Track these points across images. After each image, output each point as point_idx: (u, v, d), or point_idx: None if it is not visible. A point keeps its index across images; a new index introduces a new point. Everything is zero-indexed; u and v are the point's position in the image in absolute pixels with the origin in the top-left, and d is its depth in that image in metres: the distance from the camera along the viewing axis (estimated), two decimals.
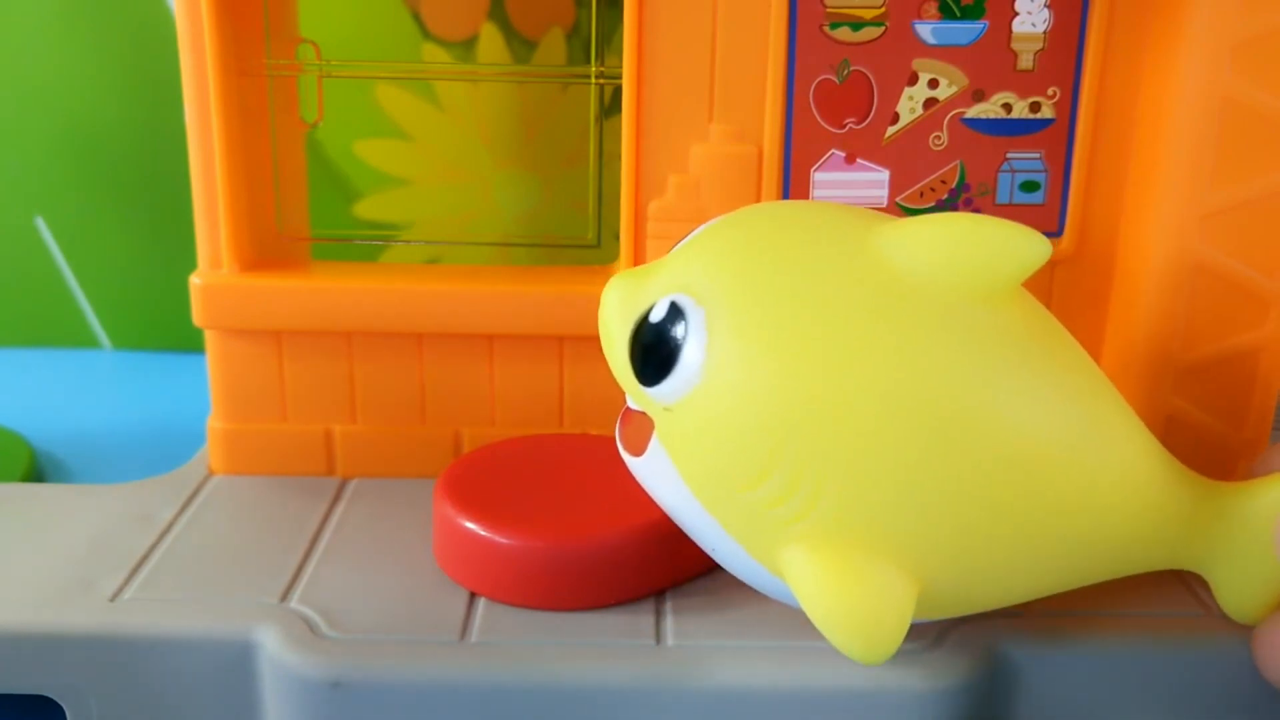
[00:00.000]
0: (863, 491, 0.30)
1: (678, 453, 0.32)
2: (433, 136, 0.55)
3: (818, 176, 0.43)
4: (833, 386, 0.30)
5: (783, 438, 0.30)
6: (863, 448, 0.30)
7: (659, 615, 0.37)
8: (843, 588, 0.30)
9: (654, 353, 0.32)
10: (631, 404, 0.35)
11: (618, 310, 0.33)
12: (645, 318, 0.32)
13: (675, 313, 0.32)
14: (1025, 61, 0.42)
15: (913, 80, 0.42)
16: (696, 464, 0.32)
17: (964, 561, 0.32)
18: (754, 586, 0.35)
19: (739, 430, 0.31)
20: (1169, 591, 0.38)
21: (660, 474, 0.33)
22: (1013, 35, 0.42)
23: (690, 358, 0.31)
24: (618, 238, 0.44)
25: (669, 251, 0.36)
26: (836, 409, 0.30)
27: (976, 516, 0.31)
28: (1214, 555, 0.35)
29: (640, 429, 0.34)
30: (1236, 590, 0.36)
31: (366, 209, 0.56)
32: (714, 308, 0.31)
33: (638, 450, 0.34)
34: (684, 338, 0.31)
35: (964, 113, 0.43)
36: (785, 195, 0.43)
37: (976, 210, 0.43)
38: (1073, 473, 0.33)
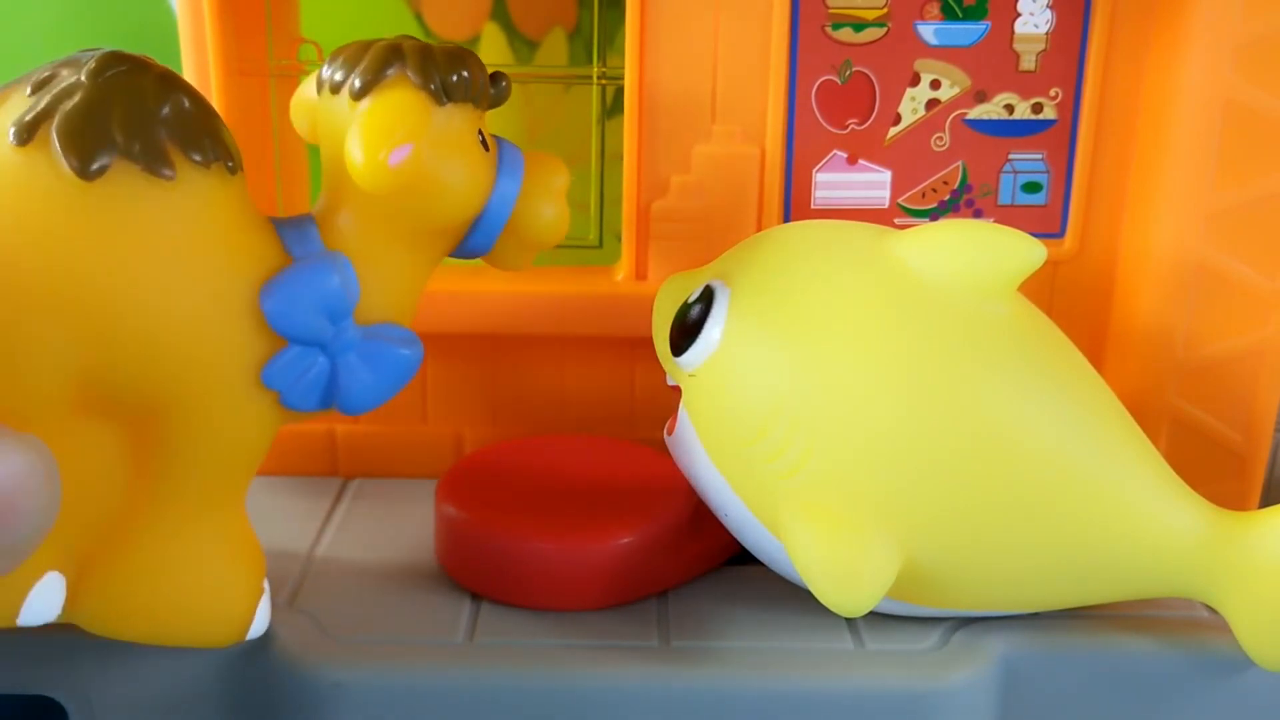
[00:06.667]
0: (851, 455, 0.33)
1: (697, 416, 0.36)
2: None
3: (820, 177, 0.43)
4: (829, 361, 0.34)
5: (780, 399, 0.34)
6: (854, 417, 0.33)
7: (661, 616, 0.37)
8: (825, 539, 0.33)
9: (684, 324, 0.36)
10: (670, 381, 0.38)
11: (666, 299, 0.38)
12: (686, 299, 0.37)
13: (708, 293, 0.36)
14: (1027, 62, 0.42)
15: (915, 81, 0.42)
16: (710, 424, 0.36)
17: (954, 540, 0.34)
18: (757, 554, 0.37)
19: (743, 391, 0.35)
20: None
21: (685, 441, 0.37)
22: (1015, 36, 0.42)
23: (712, 328, 0.35)
24: (620, 238, 0.44)
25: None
26: (832, 379, 0.34)
27: (964, 494, 0.33)
28: (1228, 587, 0.34)
29: (674, 413, 0.38)
30: (1258, 631, 0.34)
31: None
32: (738, 288, 0.35)
33: (671, 429, 0.38)
34: (710, 312, 0.36)
35: (966, 113, 0.43)
36: (787, 196, 0.43)
37: (978, 211, 0.44)
38: (1067, 468, 0.34)
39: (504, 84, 0.36)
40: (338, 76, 0.34)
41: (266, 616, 0.35)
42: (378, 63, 0.33)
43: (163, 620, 0.34)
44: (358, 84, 0.33)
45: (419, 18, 0.50)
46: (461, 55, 0.34)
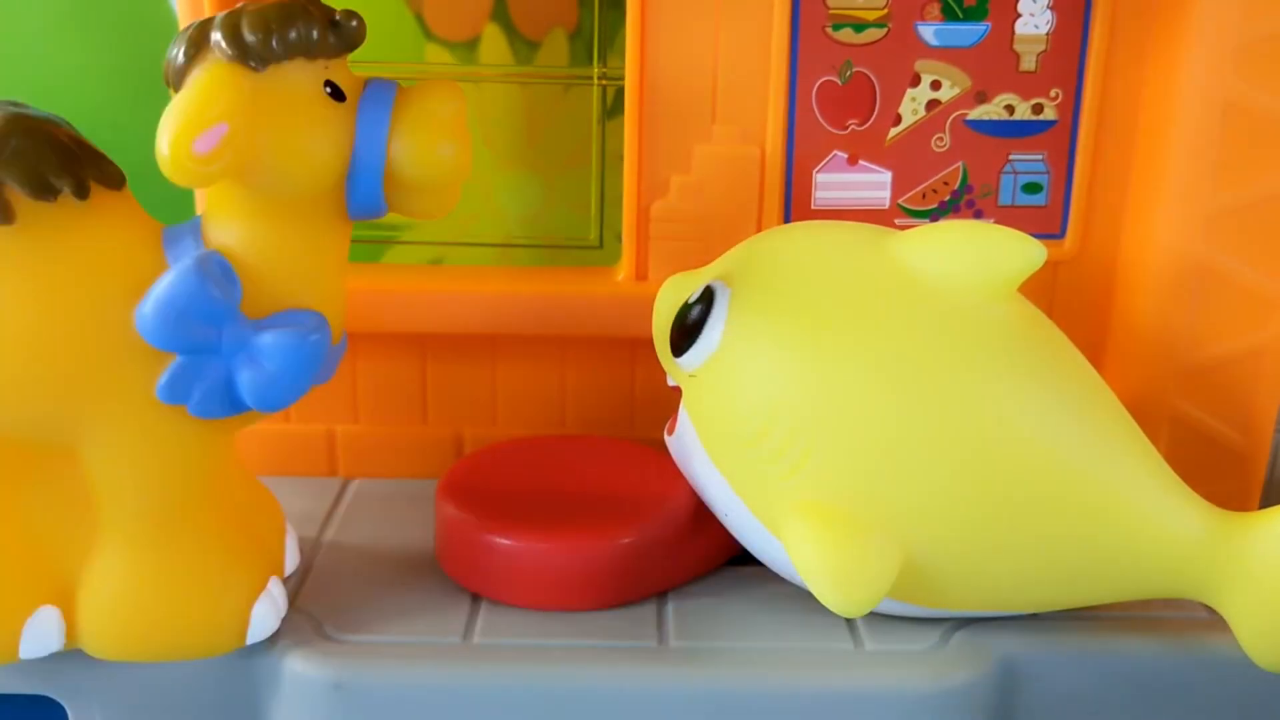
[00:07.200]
0: (851, 456, 0.34)
1: (697, 416, 0.36)
2: None
3: (820, 178, 0.43)
4: (830, 361, 0.34)
5: (780, 399, 0.34)
6: (854, 417, 0.34)
7: (660, 616, 0.37)
8: (825, 539, 0.33)
9: (684, 325, 0.36)
10: (670, 382, 0.38)
11: (666, 299, 0.38)
12: (686, 299, 0.37)
13: (708, 293, 0.36)
14: (1028, 63, 0.42)
15: (915, 81, 0.42)
16: (710, 424, 0.36)
17: (954, 541, 0.34)
18: (757, 555, 0.37)
19: (743, 392, 0.35)
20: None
21: (685, 441, 0.37)
22: (1015, 37, 0.42)
23: (712, 329, 0.35)
24: (620, 239, 0.44)
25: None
26: (832, 380, 0.34)
27: (964, 495, 0.33)
28: (1228, 588, 0.34)
29: (675, 413, 0.38)
30: (1258, 632, 0.34)
31: None
32: (739, 289, 0.36)
33: (671, 429, 0.38)
34: (710, 312, 0.36)
35: (966, 114, 0.43)
36: (788, 196, 0.43)
37: (979, 212, 0.44)
38: (1066, 468, 0.34)
39: (353, 25, 0.33)
40: (170, 66, 0.32)
41: (271, 619, 0.35)
42: (191, 45, 0.32)
43: (155, 638, 0.34)
44: (174, 73, 0.32)
45: (419, 18, 0.50)
46: (287, 10, 0.32)
